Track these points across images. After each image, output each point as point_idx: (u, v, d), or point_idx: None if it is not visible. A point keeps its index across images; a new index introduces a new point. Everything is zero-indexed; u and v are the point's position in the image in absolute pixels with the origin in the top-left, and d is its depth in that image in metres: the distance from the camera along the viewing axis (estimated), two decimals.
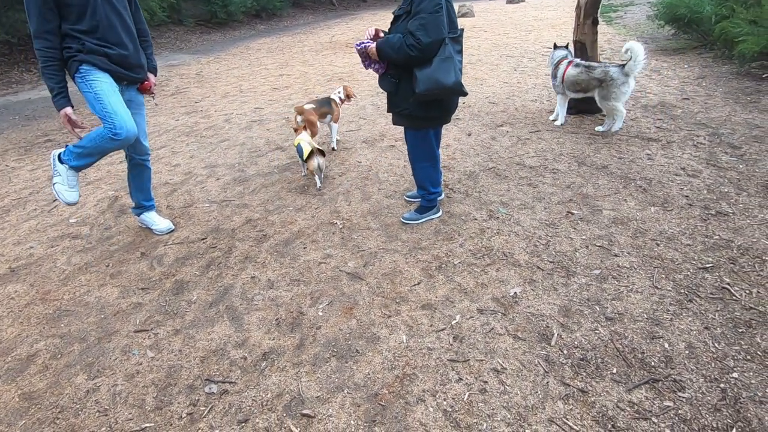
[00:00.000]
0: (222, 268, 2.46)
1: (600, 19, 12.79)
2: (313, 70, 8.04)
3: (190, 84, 7.62)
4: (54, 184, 2.35)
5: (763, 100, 4.61)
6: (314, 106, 3.79)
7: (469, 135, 4.24)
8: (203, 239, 2.77)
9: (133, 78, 2.48)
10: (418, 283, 2.23)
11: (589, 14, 4.22)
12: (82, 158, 2.35)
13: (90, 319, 2.13)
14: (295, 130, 3.57)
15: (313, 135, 3.64)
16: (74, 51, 2.23)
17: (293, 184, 3.45)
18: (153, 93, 2.68)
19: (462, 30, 2.20)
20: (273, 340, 1.93)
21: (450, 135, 4.26)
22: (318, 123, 3.78)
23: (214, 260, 2.54)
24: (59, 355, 1.92)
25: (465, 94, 2.27)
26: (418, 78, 2.19)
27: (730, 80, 5.43)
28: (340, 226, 2.81)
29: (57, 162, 2.36)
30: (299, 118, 3.68)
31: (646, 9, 11.13)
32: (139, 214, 2.92)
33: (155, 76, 2.68)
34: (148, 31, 2.62)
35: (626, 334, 1.83)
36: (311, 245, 2.63)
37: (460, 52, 2.21)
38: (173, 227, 2.92)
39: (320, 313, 2.07)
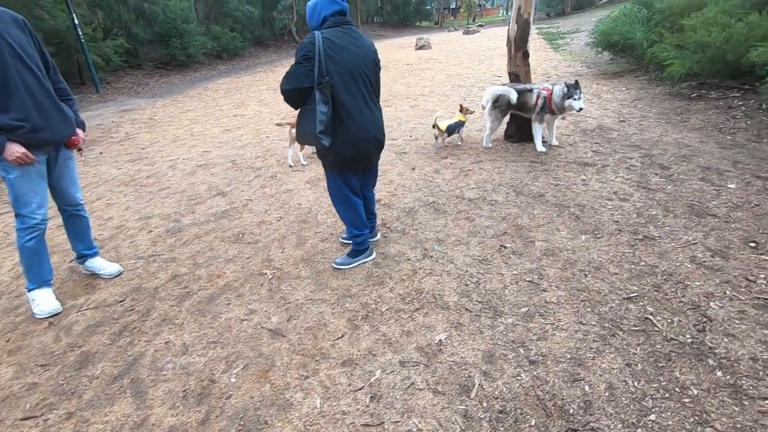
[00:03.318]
0: (135, 334, 2.29)
1: (548, 46, 13.43)
2: (268, 110, 8.06)
3: (141, 129, 7.49)
4: (37, 315, 2.50)
5: (692, 119, 4.83)
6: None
7: (413, 169, 4.25)
8: (121, 301, 2.59)
9: (59, 140, 2.43)
10: (342, 336, 2.12)
11: (519, 48, 4.37)
12: (30, 274, 2.50)
13: None
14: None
15: (302, 148, 4.71)
16: None
17: (228, 232, 3.33)
18: (81, 149, 2.63)
19: (326, 80, 2.16)
20: (176, 416, 1.77)
21: (394, 170, 4.25)
22: None
23: (128, 325, 2.37)
24: None
25: (324, 146, 2.26)
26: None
27: (663, 101, 5.70)
28: (270, 277, 2.69)
29: (29, 295, 2.55)
30: (293, 131, 4.34)
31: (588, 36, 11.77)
32: (83, 263, 2.88)
33: (83, 131, 2.62)
34: (69, 89, 2.58)
35: (548, 379, 1.76)
36: (236, 300, 2.49)
37: (326, 102, 2.19)
38: (122, 269, 2.92)
39: (233, 380, 1.92)
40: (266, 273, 2.73)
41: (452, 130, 4.68)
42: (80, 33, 11.12)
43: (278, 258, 2.90)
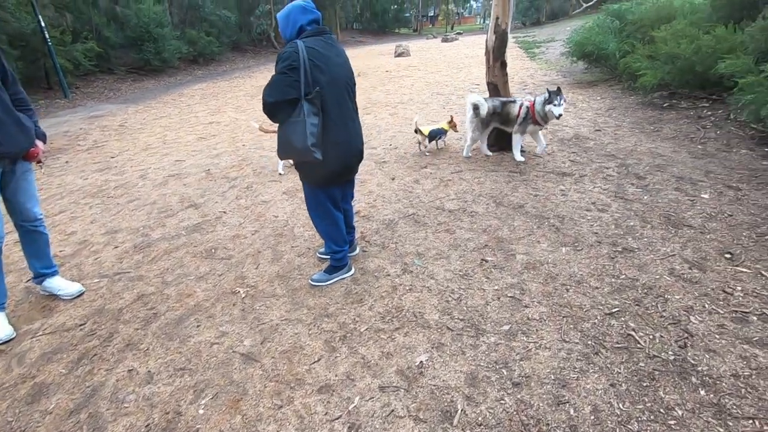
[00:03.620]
0: (96, 362, 2.13)
1: (524, 55, 13.65)
2: (245, 117, 7.88)
3: (110, 137, 7.20)
4: None
5: (664, 128, 4.94)
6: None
7: (393, 179, 4.18)
8: (81, 325, 2.42)
9: (15, 153, 2.32)
10: (319, 360, 2.02)
11: (497, 57, 4.38)
12: None
13: None
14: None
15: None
16: None
17: (200, 247, 3.18)
18: (41, 161, 2.52)
19: (317, 91, 2.09)
20: None
21: (373, 180, 4.18)
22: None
23: (88, 351, 2.21)
24: None
25: (317, 160, 2.14)
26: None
27: (636, 110, 5.82)
28: (243, 295, 2.56)
29: None
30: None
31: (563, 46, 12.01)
32: (40, 282, 2.69)
33: (44, 143, 2.53)
34: (28, 99, 2.48)
35: (532, 402, 1.70)
36: (206, 322, 2.36)
37: (317, 114, 2.11)
38: (84, 289, 2.74)
39: (201, 411, 1.80)
40: (239, 291, 2.61)
41: (434, 135, 4.75)
42: (47, 36, 10.69)
43: (252, 275, 2.77)
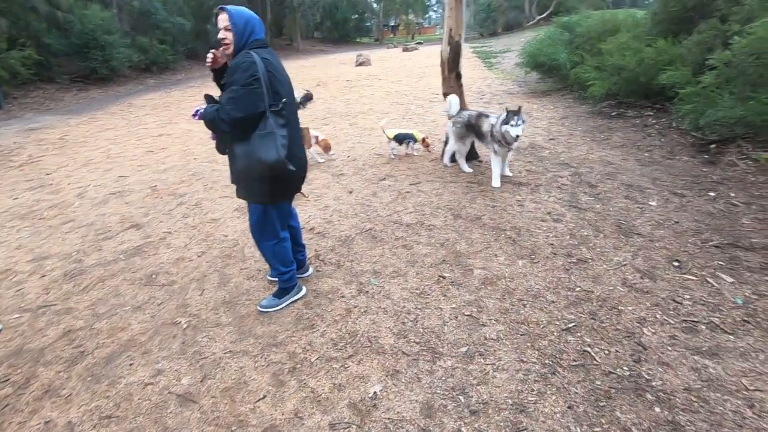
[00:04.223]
0: (6, 414, 1.87)
1: (482, 65, 13.93)
2: (198, 128, 7.53)
3: (48, 151, 6.68)
4: None
5: (613, 137, 5.11)
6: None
7: (351, 192, 4.07)
8: None
9: None
10: (264, 397, 1.86)
11: (452, 69, 4.39)
12: None
13: None
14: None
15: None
16: None
17: (139, 273, 2.93)
18: None
19: (284, 102, 1.99)
20: None
21: (330, 194, 4.05)
22: None
23: None
24: None
25: (290, 170, 2.02)
26: (237, 154, 2.01)
27: (587, 119, 6.01)
28: (185, 326, 2.36)
29: None
30: None
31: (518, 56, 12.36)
32: None
33: None
34: None
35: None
36: (141, 359, 2.14)
37: (284, 126, 2.00)
38: (0, 327, 2.44)
39: None
40: (180, 322, 2.40)
41: (401, 140, 4.88)
42: None
43: (196, 302, 2.57)
